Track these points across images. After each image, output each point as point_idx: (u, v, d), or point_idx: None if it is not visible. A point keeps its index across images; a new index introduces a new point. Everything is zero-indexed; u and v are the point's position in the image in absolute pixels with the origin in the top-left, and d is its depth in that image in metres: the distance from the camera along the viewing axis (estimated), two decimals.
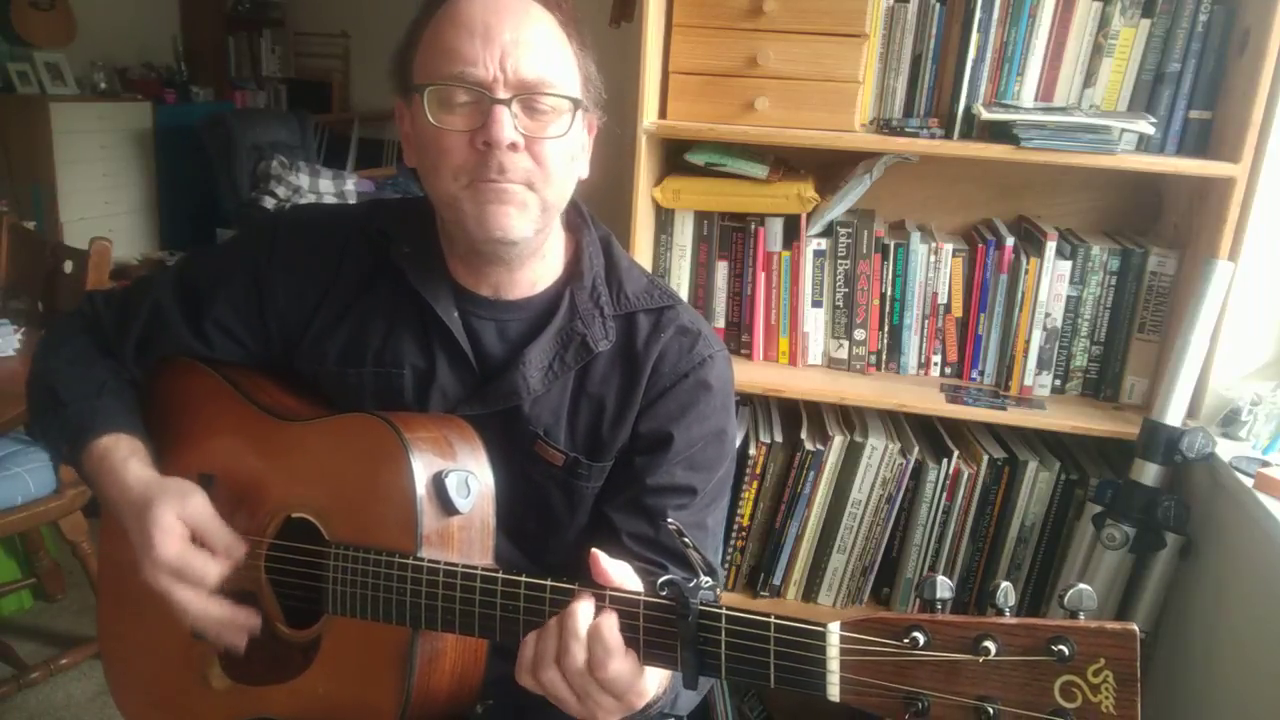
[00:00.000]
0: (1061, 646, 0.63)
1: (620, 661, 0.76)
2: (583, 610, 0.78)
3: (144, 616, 1.03)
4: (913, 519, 1.69)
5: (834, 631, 0.69)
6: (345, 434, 0.96)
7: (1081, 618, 0.65)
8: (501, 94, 0.89)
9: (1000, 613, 0.67)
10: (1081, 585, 0.66)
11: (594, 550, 0.80)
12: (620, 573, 0.80)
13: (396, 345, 1.02)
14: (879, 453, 1.65)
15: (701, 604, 0.74)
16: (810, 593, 1.75)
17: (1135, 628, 0.63)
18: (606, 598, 0.78)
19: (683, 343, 1.04)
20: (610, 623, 0.77)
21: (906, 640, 0.67)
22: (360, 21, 6.02)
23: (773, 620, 0.72)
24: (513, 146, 0.89)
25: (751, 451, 1.70)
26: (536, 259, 1.02)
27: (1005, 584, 0.68)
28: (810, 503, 1.68)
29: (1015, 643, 0.65)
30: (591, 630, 0.77)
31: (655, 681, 0.81)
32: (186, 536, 0.93)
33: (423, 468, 0.88)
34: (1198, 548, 1.46)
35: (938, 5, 1.59)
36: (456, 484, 0.89)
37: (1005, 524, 1.66)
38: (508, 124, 0.89)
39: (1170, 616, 1.53)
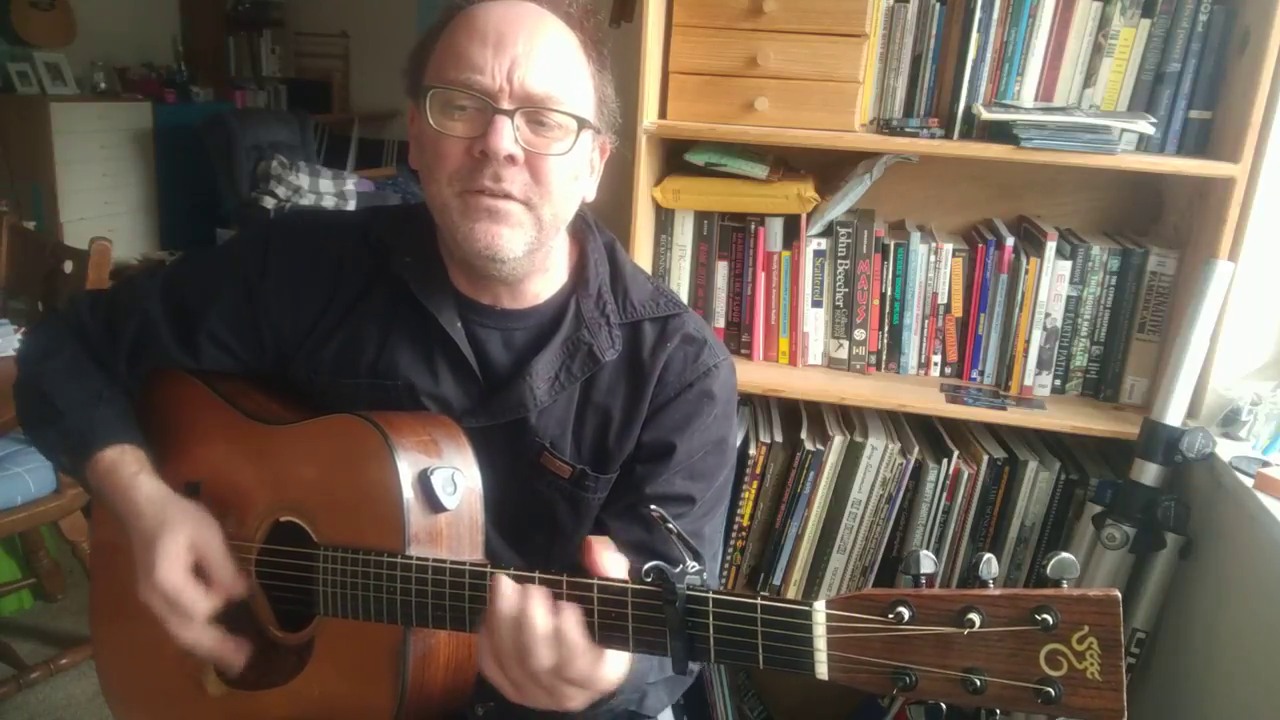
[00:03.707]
0: (1045, 615, 0.63)
1: (584, 659, 0.76)
2: (539, 611, 0.76)
3: (138, 623, 1.02)
4: (913, 519, 1.68)
5: (820, 610, 0.69)
6: (330, 436, 0.95)
7: (1065, 585, 0.65)
8: (505, 105, 0.87)
9: (984, 585, 0.67)
10: (1064, 554, 0.66)
11: (589, 537, 0.79)
12: (614, 563, 0.79)
13: (392, 356, 1.00)
14: (879, 453, 1.65)
15: (688, 589, 0.74)
16: (810, 592, 1.74)
17: (1117, 594, 0.63)
18: (595, 591, 0.77)
19: (688, 351, 1.03)
20: (571, 622, 0.75)
21: (891, 615, 0.67)
22: (360, 21, 6.03)
23: (759, 601, 0.71)
24: (510, 159, 0.88)
25: (751, 451, 1.70)
26: (538, 272, 1.00)
27: (988, 555, 0.68)
28: (810, 503, 1.68)
29: (999, 614, 0.65)
30: (555, 631, 0.75)
31: (616, 666, 0.79)
32: (189, 565, 0.93)
33: (408, 466, 0.88)
34: (1198, 548, 1.46)
35: (938, 5, 1.59)
36: (443, 481, 0.88)
37: (1005, 524, 1.66)
38: (507, 135, 0.87)
39: (1170, 616, 1.52)
